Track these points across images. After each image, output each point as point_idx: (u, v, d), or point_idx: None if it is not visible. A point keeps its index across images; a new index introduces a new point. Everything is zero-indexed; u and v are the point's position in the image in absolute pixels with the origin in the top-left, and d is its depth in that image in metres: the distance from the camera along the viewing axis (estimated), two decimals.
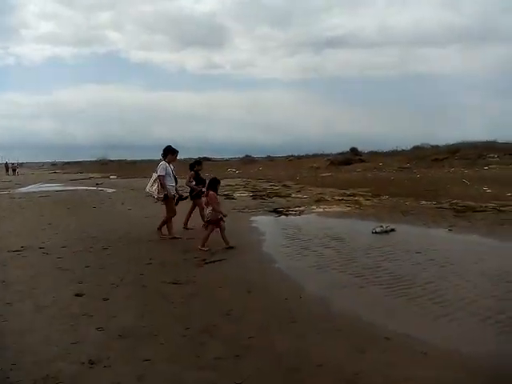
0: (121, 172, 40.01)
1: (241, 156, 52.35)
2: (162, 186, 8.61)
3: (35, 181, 33.33)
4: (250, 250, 7.71)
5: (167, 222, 8.85)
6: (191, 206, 9.97)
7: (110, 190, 22.13)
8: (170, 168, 8.88)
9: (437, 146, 36.10)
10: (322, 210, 12.71)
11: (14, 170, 50.91)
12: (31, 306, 4.94)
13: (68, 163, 72.43)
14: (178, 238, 8.75)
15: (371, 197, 15.53)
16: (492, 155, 28.01)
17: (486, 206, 11.70)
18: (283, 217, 11.70)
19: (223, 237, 7.74)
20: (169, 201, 8.78)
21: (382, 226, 9.30)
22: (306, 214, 12.14)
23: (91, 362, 3.51)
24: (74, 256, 7.48)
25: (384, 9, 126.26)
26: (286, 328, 4.21)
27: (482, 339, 4.00)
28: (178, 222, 9.34)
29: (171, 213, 8.86)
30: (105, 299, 5.13)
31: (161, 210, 12.89)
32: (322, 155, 41.78)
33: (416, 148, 37.61)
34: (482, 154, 28.74)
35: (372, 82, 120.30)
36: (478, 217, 10.42)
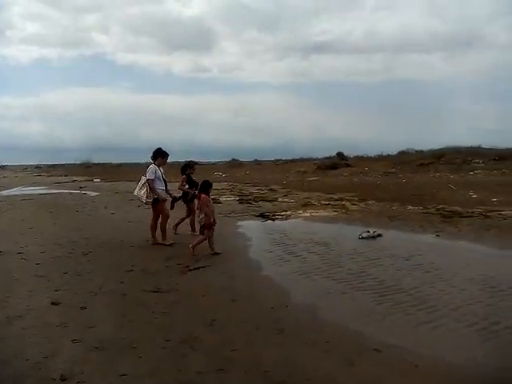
0: (105, 175, 39.40)
1: (228, 159, 52.03)
2: (151, 189, 8.33)
3: (18, 184, 32.66)
4: (235, 256, 7.52)
5: (162, 224, 8.56)
6: (186, 210, 9.73)
7: (94, 194, 21.71)
8: (160, 171, 8.61)
9: (421, 151, 36.32)
10: (308, 214, 12.58)
11: None
12: (2, 316, 4.68)
13: (53, 166, 71.28)
14: (162, 244, 8.48)
15: (358, 201, 15.45)
16: (477, 160, 28.23)
17: (472, 212, 11.68)
18: (270, 221, 11.53)
19: (211, 242, 7.55)
20: (159, 204, 8.48)
21: (368, 231, 9.20)
22: (292, 218, 11.99)
23: (63, 378, 3.29)
24: (53, 262, 7.21)
25: (371, 15, 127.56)
26: (272, 339, 4.03)
27: (472, 349, 3.89)
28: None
29: (165, 215, 8.57)
30: (82, 308, 4.91)
31: (144, 215, 12.72)
32: (309, 159, 41.81)
33: (401, 153, 37.82)
34: (466, 159, 28.96)
35: (358, 87, 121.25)
36: (465, 222, 10.38)
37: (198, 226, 8.47)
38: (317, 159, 41.13)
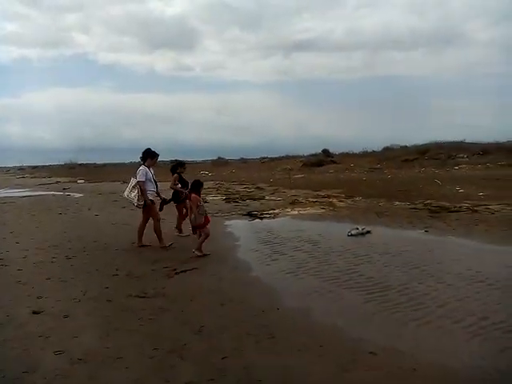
0: (89, 176, 38.86)
1: (213, 158, 51.67)
2: (142, 192, 8.09)
3: (0, 186, 31.98)
4: (224, 257, 7.36)
5: (154, 226, 8.33)
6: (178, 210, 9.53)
7: (78, 195, 21.31)
8: (151, 173, 8.37)
9: (406, 147, 36.55)
10: (296, 212, 12.49)
11: None
12: None
13: (36, 167, 70.11)
14: (148, 245, 8.29)
15: (345, 198, 15.43)
16: (461, 155, 28.48)
17: (460, 207, 11.71)
18: (258, 220, 11.40)
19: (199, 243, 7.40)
20: (149, 207, 8.25)
21: (357, 228, 9.13)
22: (280, 216, 11.88)
23: None
24: (35, 267, 6.95)
25: (352, 13, 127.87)
26: (264, 345, 3.89)
27: (467, 349, 3.81)
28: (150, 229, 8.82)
29: (156, 217, 8.32)
30: (65, 316, 4.70)
31: (129, 216, 12.49)
32: (295, 157, 41.75)
33: (386, 149, 38.03)
34: (451, 154, 29.21)
35: (341, 85, 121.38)
36: (453, 217, 10.39)
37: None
38: (302, 156, 41.07)
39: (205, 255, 7.27)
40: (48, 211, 14.90)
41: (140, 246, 8.27)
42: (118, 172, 42.14)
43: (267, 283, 5.86)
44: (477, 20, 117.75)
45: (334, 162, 36.20)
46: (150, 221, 8.36)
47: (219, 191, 19.87)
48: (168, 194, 9.82)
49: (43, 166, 69.33)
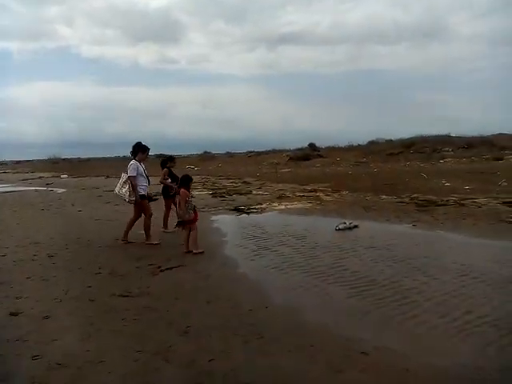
0: (72, 171, 38.30)
1: (199, 152, 51.33)
2: (133, 187, 7.86)
3: None
4: (210, 253, 7.19)
5: (145, 223, 8.13)
6: (165, 205, 9.36)
7: (61, 190, 20.92)
8: (142, 167, 8.14)
9: (391, 141, 36.71)
10: (283, 207, 12.38)
11: None
12: None
13: (19, 162, 68.98)
14: (149, 244, 8.01)
15: (332, 192, 15.39)
16: (446, 149, 28.68)
17: (447, 200, 11.72)
18: (245, 215, 11.26)
19: (186, 240, 7.23)
20: (142, 202, 8.03)
21: (345, 223, 9.06)
22: (267, 211, 11.77)
23: None
24: (15, 266, 6.71)
25: (337, 6, 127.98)
26: (253, 346, 3.75)
27: (457, 347, 3.73)
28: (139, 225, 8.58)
29: (148, 213, 8.13)
30: (45, 318, 4.51)
31: (112, 212, 12.27)
32: (281, 151, 41.70)
33: (371, 143, 38.19)
34: (436, 147, 29.39)
35: (326, 78, 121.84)
36: (441, 211, 10.37)
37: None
38: (289, 150, 41.04)
39: (189, 252, 7.13)
40: (30, 207, 14.57)
41: (125, 243, 8.06)
42: (102, 166, 41.70)
43: (255, 280, 5.73)
44: (460, 14, 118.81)
45: (321, 156, 36.25)
46: (142, 217, 8.17)
47: (205, 186, 19.70)
48: (157, 189, 9.66)
49: (26, 161, 68.32)
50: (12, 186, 25.14)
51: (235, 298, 4.99)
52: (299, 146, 41.60)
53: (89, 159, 58.48)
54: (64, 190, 20.90)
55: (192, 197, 7.48)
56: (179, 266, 6.37)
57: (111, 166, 41.74)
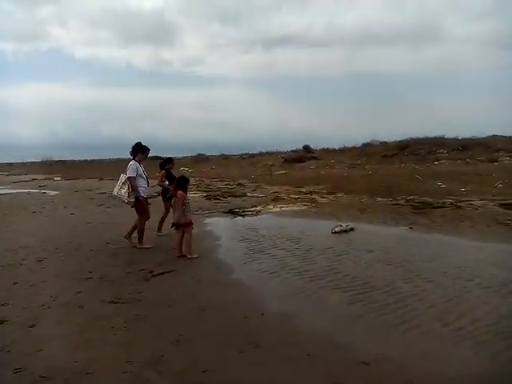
0: (66, 173, 37.96)
1: (193, 154, 50.96)
2: (133, 188, 7.68)
3: None
4: (204, 257, 7.02)
5: (140, 226, 7.94)
6: (165, 208, 9.12)
7: (53, 193, 20.65)
8: (141, 168, 7.97)
9: (385, 143, 36.56)
10: (279, 209, 12.24)
11: None
12: None
13: (12, 164, 68.38)
14: (141, 247, 7.84)
15: (327, 194, 15.27)
16: (441, 151, 28.57)
17: (443, 202, 11.62)
18: (239, 218, 11.10)
19: (179, 244, 7.06)
20: (141, 204, 7.85)
21: (341, 226, 8.93)
22: (262, 214, 11.61)
23: None
24: (2, 271, 6.52)
25: (332, 8, 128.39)
26: (248, 356, 3.59)
27: (462, 356, 3.61)
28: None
29: (146, 216, 7.97)
30: (31, 326, 4.33)
31: (104, 215, 12.08)
32: (276, 153, 41.49)
33: (366, 145, 37.99)
34: (431, 149, 29.26)
35: (321, 80, 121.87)
36: (437, 213, 10.27)
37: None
38: (283, 152, 40.83)
39: (181, 256, 6.97)
40: (21, 210, 14.32)
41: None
42: (96, 169, 41.40)
43: (250, 285, 5.57)
44: (456, 16, 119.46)
45: (315, 158, 36.06)
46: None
47: (199, 188, 19.50)
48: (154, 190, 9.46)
49: (20, 163, 67.69)
50: (4, 189, 24.82)
51: (229, 305, 4.82)
52: (293, 148, 41.39)
53: (82, 161, 58.00)
54: (57, 193, 20.64)
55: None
56: (172, 271, 6.20)
57: (105, 168, 41.50)
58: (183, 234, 7.04)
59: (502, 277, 5.64)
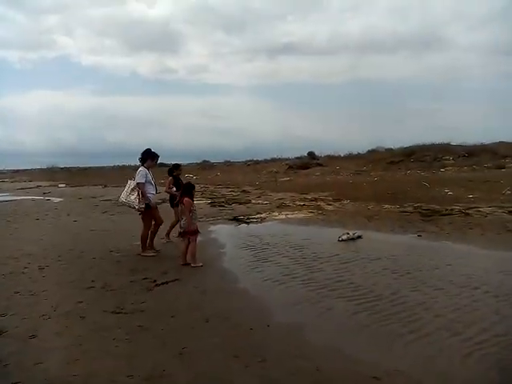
0: (70, 180, 38.02)
1: (198, 161, 50.95)
2: (143, 194, 7.58)
3: None
4: (208, 266, 6.87)
5: (143, 233, 7.86)
6: (175, 215, 9.00)
7: (57, 200, 20.60)
8: (150, 175, 7.88)
9: (391, 149, 36.39)
10: (284, 216, 12.09)
11: None
12: None
13: (17, 171, 68.65)
14: (154, 254, 7.79)
15: (332, 201, 15.11)
16: (447, 157, 28.36)
17: (451, 209, 11.43)
18: (244, 225, 10.97)
19: (184, 252, 6.93)
20: (152, 210, 7.76)
21: (348, 233, 8.77)
22: (267, 221, 11.46)
23: None
24: (3, 280, 6.40)
25: (335, 16, 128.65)
26: (254, 370, 3.44)
27: (476, 370, 3.46)
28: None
29: (155, 223, 7.90)
30: (31, 337, 4.20)
31: (108, 222, 11.99)
32: (280, 159, 41.41)
33: (371, 151, 37.82)
34: (437, 156, 29.06)
35: (325, 88, 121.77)
36: (446, 221, 10.09)
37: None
38: (288, 159, 40.74)
39: (186, 264, 6.84)
40: (25, 217, 14.24)
41: (143, 256, 7.72)
42: (100, 176, 41.47)
43: (255, 295, 5.42)
44: (459, 23, 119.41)
45: (320, 165, 35.93)
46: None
47: (204, 195, 19.37)
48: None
49: (24, 170, 67.95)
50: (8, 196, 24.83)
51: (235, 316, 4.67)
52: (298, 155, 41.29)
53: (86, 168, 58.11)
54: (61, 200, 20.60)
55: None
56: (175, 280, 6.05)
57: (109, 175, 41.56)
58: (189, 242, 6.92)
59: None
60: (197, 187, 21.78)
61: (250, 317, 4.63)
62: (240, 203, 15.58)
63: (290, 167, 36.34)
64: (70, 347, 3.97)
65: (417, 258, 7.07)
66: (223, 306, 5.00)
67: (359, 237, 8.74)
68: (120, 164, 55.42)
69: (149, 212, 7.73)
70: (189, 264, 6.81)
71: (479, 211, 11.06)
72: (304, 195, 17.24)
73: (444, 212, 11.16)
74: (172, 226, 8.92)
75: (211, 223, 11.19)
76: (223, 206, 14.87)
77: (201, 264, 6.81)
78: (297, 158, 40.58)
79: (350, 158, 37.73)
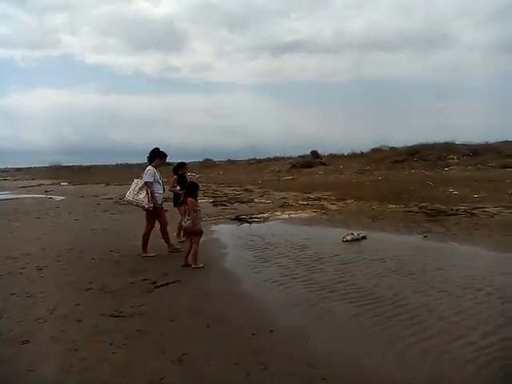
0: (73, 178, 38.01)
1: (201, 160, 50.81)
2: (152, 194, 7.45)
3: None
4: (210, 267, 6.72)
5: (145, 232, 7.73)
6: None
7: (59, 198, 20.50)
8: (158, 174, 7.75)
9: (395, 148, 36.15)
10: (287, 216, 11.93)
11: None
12: None
13: (20, 169, 68.72)
14: (154, 255, 7.60)
15: (336, 201, 14.95)
16: (451, 156, 28.15)
17: (457, 210, 11.24)
18: (246, 225, 10.81)
19: (188, 251, 6.78)
20: (158, 210, 7.62)
21: (352, 234, 8.60)
22: (270, 221, 11.31)
23: None
24: (0, 280, 6.27)
25: (340, 14, 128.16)
26: (256, 378, 3.28)
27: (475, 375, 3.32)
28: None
29: (164, 222, 7.78)
30: (24, 342, 4.05)
31: (109, 221, 11.86)
32: (283, 158, 41.23)
33: (375, 150, 37.58)
34: (441, 155, 28.86)
35: (329, 86, 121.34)
36: (452, 221, 9.91)
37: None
38: (291, 158, 40.56)
39: (187, 265, 6.69)
40: (26, 215, 14.14)
41: (144, 256, 7.58)
42: (103, 174, 41.39)
43: (258, 298, 5.26)
44: (464, 20, 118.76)
45: (323, 164, 35.76)
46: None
47: (206, 194, 19.24)
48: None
49: (28, 168, 68.02)
50: (10, 194, 24.77)
51: (236, 320, 4.51)
52: (301, 154, 41.10)
53: (89, 167, 58.12)
54: (62, 198, 20.51)
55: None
56: (176, 282, 5.90)
57: (112, 173, 41.52)
58: (191, 242, 6.77)
59: None
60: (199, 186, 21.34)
61: (252, 321, 4.47)
62: (242, 202, 15.43)
63: (293, 166, 36.20)
64: (65, 353, 3.82)
65: (423, 260, 6.89)
66: (225, 309, 4.85)
67: (364, 237, 8.58)
68: (123, 162, 55.44)
69: (155, 212, 7.60)
70: (190, 265, 6.66)
71: (485, 211, 10.86)
72: (307, 194, 17.09)
73: (449, 212, 10.98)
74: (180, 226, 8.76)
75: (213, 223, 11.04)
76: (225, 206, 14.72)
77: (202, 265, 6.67)
78: (300, 156, 40.38)
79: (354, 156, 37.50)
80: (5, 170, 68.49)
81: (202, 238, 7.05)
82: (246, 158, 48.21)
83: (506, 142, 30.24)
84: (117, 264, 7.09)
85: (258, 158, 46.18)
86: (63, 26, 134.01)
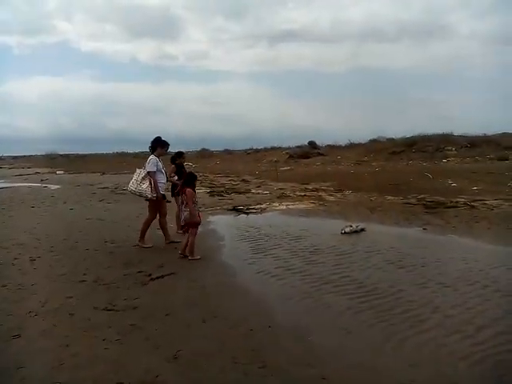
0: (69, 167, 37.74)
1: (197, 149, 50.49)
2: (155, 184, 7.31)
3: None
4: (207, 259, 6.58)
5: (146, 222, 7.61)
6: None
7: (54, 187, 20.30)
8: (161, 163, 7.59)
9: (393, 139, 35.95)
10: (284, 207, 11.80)
11: None
12: None
13: (16, 158, 68.32)
14: (149, 246, 7.48)
15: (334, 192, 14.84)
16: (449, 148, 27.97)
17: (456, 202, 11.14)
18: (243, 216, 10.68)
19: (186, 242, 6.66)
20: (159, 200, 7.48)
21: (351, 226, 8.47)
22: (268, 212, 11.18)
23: None
24: None
25: (337, 3, 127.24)
26: (254, 378, 3.16)
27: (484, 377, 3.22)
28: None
29: (160, 214, 7.63)
30: (14, 337, 3.91)
31: (104, 211, 11.69)
32: (281, 148, 41.01)
33: (372, 141, 37.37)
34: (439, 146, 28.67)
35: (326, 76, 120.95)
36: (451, 213, 9.80)
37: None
38: (288, 148, 40.33)
39: (184, 256, 6.57)
40: (20, 205, 13.95)
41: (141, 246, 7.46)
42: (99, 163, 41.14)
43: (256, 291, 5.13)
44: (463, 11, 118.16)
45: (321, 154, 35.55)
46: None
47: (203, 184, 19.06)
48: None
49: (24, 157, 67.62)
50: (5, 182, 24.51)
51: (234, 315, 4.38)
52: (298, 144, 40.86)
53: (86, 155, 57.79)
54: (58, 187, 20.30)
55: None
56: (172, 274, 5.76)
57: (108, 162, 41.23)
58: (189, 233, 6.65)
59: None
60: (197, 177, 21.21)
61: (250, 316, 4.34)
62: (239, 193, 15.28)
63: (291, 156, 35.95)
64: (56, 349, 3.69)
65: (423, 253, 6.77)
66: (221, 303, 4.72)
67: (363, 229, 8.45)
68: (119, 151, 55.15)
69: (157, 202, 7.46)
70: (186, 256, 6.53)
71: (485, 204, 10.76)
72: (305, 185, 16.95)
73: (449, 204, 10.87)
74: (178, 217, 8.61)
75: (210, 213, 10.89)
76: (222, 196, 14.57)
77: (199, 257, 6.54)
78: (297, 146, 40.13)
79: (351, 147, 37.31)
80: (1, 158, 68.06)
81: (199, 229, 6.92)
82: (243, 148, 47.98)
83: (505, 134, 30.12)
84: (111, 255, 6.95)
85: (255, 147, 45.93)
86: (58, 13, 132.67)
